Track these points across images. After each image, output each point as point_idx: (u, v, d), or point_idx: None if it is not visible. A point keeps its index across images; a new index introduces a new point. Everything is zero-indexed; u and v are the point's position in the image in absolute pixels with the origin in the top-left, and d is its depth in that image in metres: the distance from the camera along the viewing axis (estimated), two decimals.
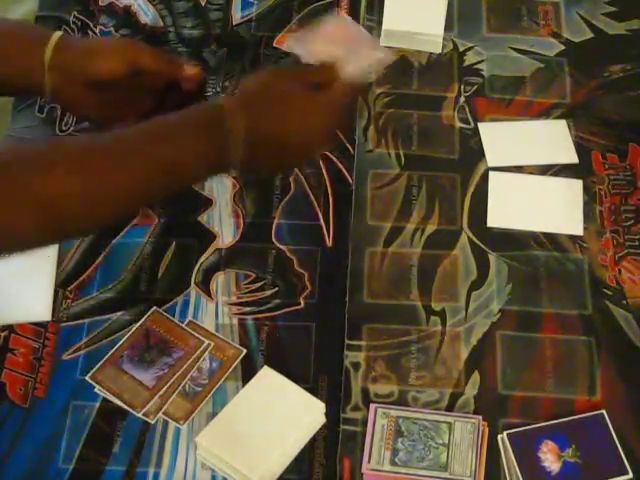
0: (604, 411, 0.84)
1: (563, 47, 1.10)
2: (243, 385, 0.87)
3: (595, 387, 0.87)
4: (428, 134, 1.04)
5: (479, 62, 1.09)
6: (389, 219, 0.97)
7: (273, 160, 0.83)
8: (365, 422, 0.85)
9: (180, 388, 0.87)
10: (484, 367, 0.88)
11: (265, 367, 0.86)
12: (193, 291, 0.93)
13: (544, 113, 1.04)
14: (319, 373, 0.88)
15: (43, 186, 0.72)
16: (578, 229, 0.96)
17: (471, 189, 0.99)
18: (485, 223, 0.97)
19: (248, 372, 0.87)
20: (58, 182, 0.73)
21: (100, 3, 1.16)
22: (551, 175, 1.00)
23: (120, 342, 0.89)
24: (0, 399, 0.87)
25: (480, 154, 1.01)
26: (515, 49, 1.10)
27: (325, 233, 0.97)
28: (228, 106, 0.79)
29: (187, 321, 0.91)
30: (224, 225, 0.98)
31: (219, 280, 0.94)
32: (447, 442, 0.83)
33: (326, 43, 0.86)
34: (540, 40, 1.11)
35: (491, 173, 1.00)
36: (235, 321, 0.91)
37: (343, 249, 0.96)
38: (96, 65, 0.85)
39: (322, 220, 0.98)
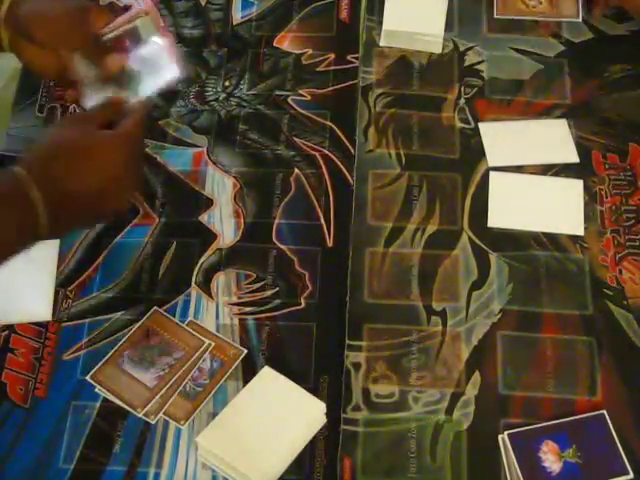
0: (604, 411, 0.84)
1: (563, 47, 1.10)
2: (244, 385, 0.86)
3: (596, 387, 0.87)
4: (428, 134, 1.03)
5: (479, 62, 1.08)
6: (390, 219, 0.97)
7: (85, 214, 0.81)
8: (366, 422, 0.85)
9: (181, 388, 0.87)
10: (485, 367, 0.88)
11: (266, 367, 0.86)
12: (194, 291, 0.93)
13: (544, 113, 1.04)
14: (320, 373, 0.88)
15: None
16: (579, 229, 0.96)
17: (471, 189, 0.99)
18: (486, 223, 0.96)
19: (249, 372, 0.87)
20: None
21: (100, 3, 1.16)
22: (552, 175, 1.00)
23: (120, 342, 0.89)
24: (0, 399, 0.87)
25: (480, 154, 1.01)
26: (515, 49, 1.10)
27: (326, 233, 0.97)
28: (21, 176, 0.75)
29: (188, 321, 0.91)
30: (225, 225, 0.98)
31: (220, 280, 0.94)
32: None
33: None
34: (540, 40, 1.11)
35: (491, 173, 1.00)
36: (236, 321, 0.91)
37: (344, 249, 0.95)
38: (35, 30, 0.85)
39: (323, 220, 0.97)
